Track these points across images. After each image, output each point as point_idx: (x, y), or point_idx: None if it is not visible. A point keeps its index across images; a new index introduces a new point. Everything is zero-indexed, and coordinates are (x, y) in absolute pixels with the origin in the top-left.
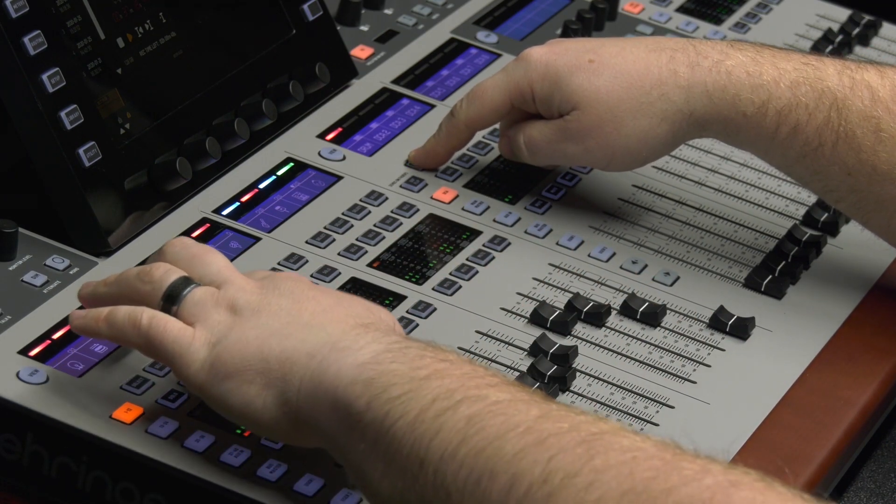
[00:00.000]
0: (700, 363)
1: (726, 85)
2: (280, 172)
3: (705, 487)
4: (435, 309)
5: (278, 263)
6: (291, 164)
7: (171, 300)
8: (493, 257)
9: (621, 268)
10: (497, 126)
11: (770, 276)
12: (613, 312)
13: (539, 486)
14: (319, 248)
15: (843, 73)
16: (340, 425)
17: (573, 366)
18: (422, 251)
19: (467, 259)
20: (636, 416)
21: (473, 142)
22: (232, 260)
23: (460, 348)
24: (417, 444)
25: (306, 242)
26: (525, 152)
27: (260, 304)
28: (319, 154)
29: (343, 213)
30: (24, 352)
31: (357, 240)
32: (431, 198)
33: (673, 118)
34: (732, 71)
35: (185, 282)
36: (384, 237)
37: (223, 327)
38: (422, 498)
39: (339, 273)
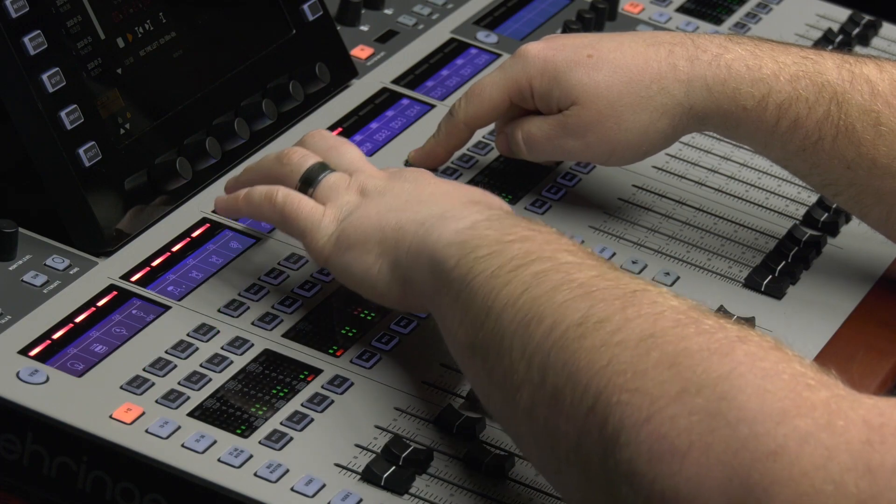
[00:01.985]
0: None
1: (726, 79)
2: None
3: (715, 339)
4: None
5: (278, 263)
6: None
7: (307, 182)
8: None
9: (621, 268)
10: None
11: (770, 276)
12: None
13: (574, 328)
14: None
15: (843, 68)
16: (434, 283)
17: None
18: None
19: None
20: None
21: (473, 142)
22: (231, 260)
23: None
24: (489, 294)
25: None
26: (524, 149)
27: (385, 188)
28: None
29: None
30: (24, 352)
31: None
32: None
33: (673, 112)
34: (732, 65)
35: (322, 167)
36: None
37: (351, 206)
38: (484, 343)
39: None
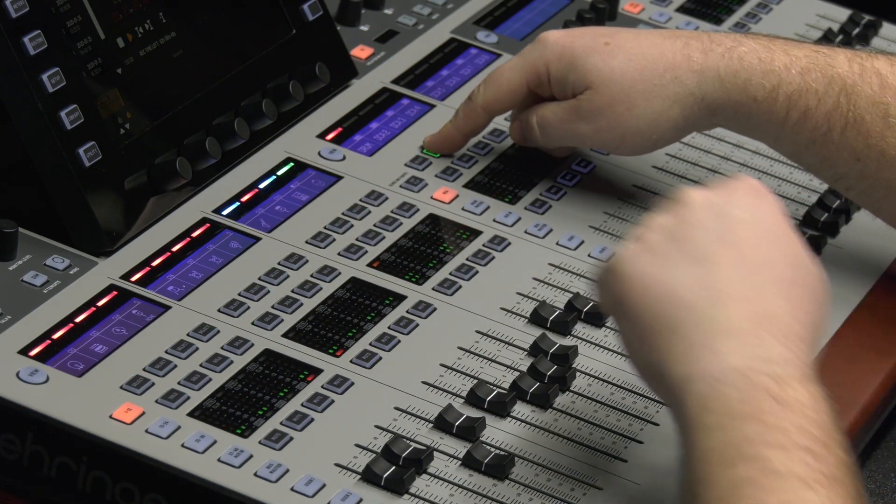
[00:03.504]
0: None
1: (738, 70)
2: (280, 172)
3: None
4: (435, 309)
5: (278, 263)
6: (291, 164)
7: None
8: (493, 257)
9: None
10: (495, 126)
11: None
12: None
13: None
14: (319, 248)
15: (853, 61)
16: (675, 410)
17: (573, 366)
18: (422, 251)
19: (467, 259)
20: (636, 416)
21: (473, 142)
22: (231, 260)
23: (460, 348)
24: (696, 483)
25: (306, 242)
26: (537, 133)
27: (684, 236)
28: (319, 154)
29: (343, 213)
30: (24, 352)
31: (357, 240)
32: (431, 198)
33: (685, 101)
34: (744, 56)
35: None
36: (384, 237)
37: (651, 242)
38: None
39: (340, 273)
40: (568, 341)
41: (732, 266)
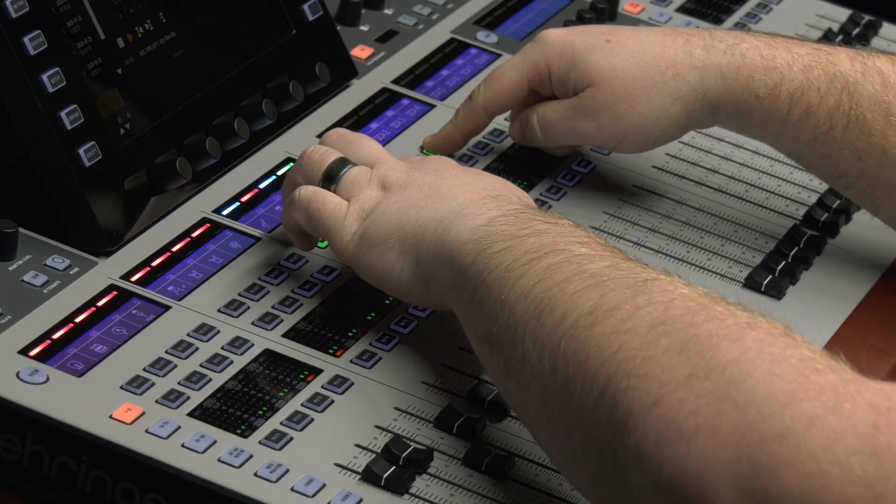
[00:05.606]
0: None
1: (740, 66)
2: (280, 172)
3: (725, 325)
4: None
5: (278, 263)
6: (291, 164)
7: (329, 179)
8: None
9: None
10: (495, 126)
11: (770, 276)
12: None
13: (585, 317)
14: (320, 247)
15: (856, 59)
16: (453, 280)
17: None
18: None
19: None
20: None
21: (473, 142)
22: (231, 260)
23: (461, 348)
24: (502, 288)
25: None
26: (538, 132)
27: (406, 180)
28: None
29: None
30: (24, 352)
31: None
32: None
33: (686, 98)
34: (747, 53)
35: (342, 162)
36: None
37: (373, 202)
38: (499, 336)
39: (339, 273)
40: None
41: (453, 183)
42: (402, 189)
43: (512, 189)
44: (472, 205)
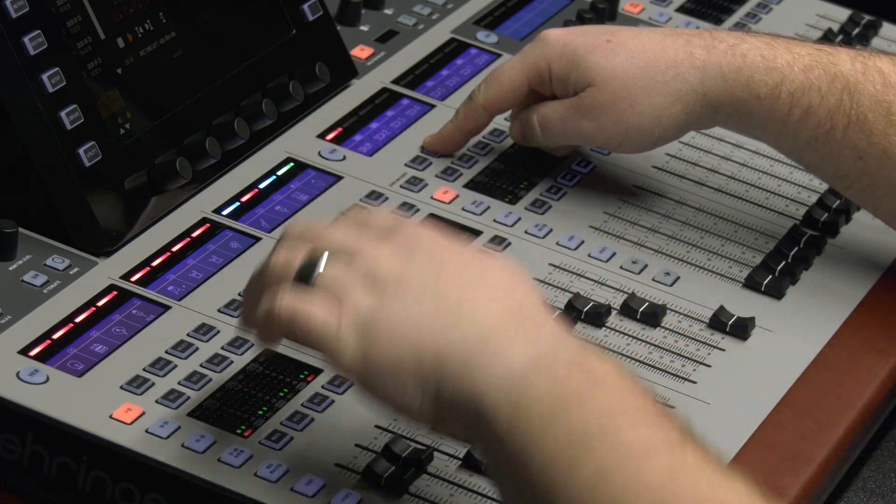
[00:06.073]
0: (700, 363)
1: (741, 67)
2: (280, 172)
3: None
4: None
5: None
6: (291, 164)
7: (304, 279)
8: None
9: (621, 268)
10: (495, 126)
11: (770, 276)
12: (613, 312)
13: None
14: None
15: (856, 60)
16: (482, 431)
17: None
18: None
19: None
20: None
21: (473, 142)
22: (231, 260)
23: None
24: (549, 488)
25: None
26: (538, 131)
27: (400, 277)
28: (319, 154)
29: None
30: (24, 352)
31: None
32: (431, 198)
33: (687, 98)
34: (747, 54)
35: (310, 263)
36: None
37: (368, 308)
38: None
39: None
40: None
41: (460, 287)
42: (399, 292)
43: (530, 297)
44: (495, 332)
